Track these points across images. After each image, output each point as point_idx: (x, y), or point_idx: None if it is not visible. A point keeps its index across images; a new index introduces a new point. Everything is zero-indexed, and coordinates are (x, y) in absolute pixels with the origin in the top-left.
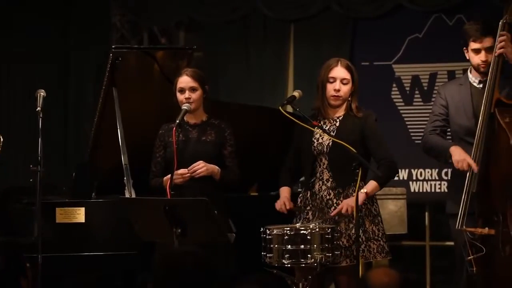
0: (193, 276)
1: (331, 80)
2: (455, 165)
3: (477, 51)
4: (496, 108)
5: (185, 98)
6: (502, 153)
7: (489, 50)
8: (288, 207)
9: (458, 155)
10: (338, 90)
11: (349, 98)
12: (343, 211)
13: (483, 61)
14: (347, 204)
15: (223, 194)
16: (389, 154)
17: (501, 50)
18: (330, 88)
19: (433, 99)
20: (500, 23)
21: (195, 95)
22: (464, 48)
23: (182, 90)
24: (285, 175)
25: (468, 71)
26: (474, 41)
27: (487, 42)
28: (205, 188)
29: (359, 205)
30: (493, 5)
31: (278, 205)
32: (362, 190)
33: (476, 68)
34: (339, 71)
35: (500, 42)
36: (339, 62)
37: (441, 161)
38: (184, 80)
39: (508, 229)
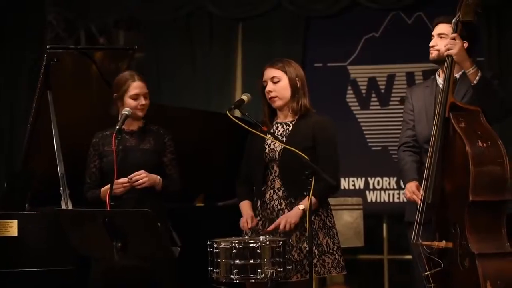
0: None
1: (264, 84)
2: None
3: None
4: (450, 112)
5: (140, 105)
6: (458, 160)
7: (441, 36)
8: (249, 226)
9: (409, 193)
10: (270, 91)
11: (296, 97)
12: (281, 227)
13: (430, 46)
14: (286, 219)
15: (165, 205)
16: (335, 172)
17: (448, 52)
18: (266, 92)
19: (391, 103)
20: (453, 21)
21: (147, 102)
22: None
23: (136, 96)
24: (242, 188)
25: (436, 73)
26: (433, 28)
27: (439, 28)
28: (146, 199)
29: (296, 222)
30: (454, 1)
31: (241, 223)
32: (299, 207)
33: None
34: (267, 72)
35: (448, 43)
36: (268, 64)
37: None
38: (139, 86)
39: (466, 241)
